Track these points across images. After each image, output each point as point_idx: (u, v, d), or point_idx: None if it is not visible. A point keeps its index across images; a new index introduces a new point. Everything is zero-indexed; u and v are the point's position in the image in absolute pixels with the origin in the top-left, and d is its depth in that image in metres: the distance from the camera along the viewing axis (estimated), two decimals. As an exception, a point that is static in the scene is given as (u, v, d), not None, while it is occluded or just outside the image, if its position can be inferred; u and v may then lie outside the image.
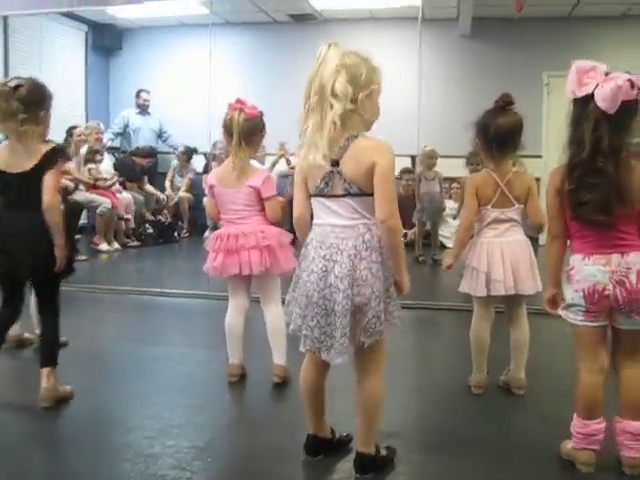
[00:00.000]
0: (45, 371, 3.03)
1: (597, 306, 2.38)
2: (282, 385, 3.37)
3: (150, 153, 9.54)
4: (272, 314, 3.41)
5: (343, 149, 2.23)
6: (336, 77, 2.17)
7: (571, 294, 2.44)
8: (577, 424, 2.45)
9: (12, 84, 2.94)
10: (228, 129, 3.28)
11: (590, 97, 2.29)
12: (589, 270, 2.37)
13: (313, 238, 2.33)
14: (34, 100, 2.97)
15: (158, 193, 9.55)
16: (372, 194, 2.23)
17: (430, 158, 7.45)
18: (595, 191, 2.30)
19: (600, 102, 2.26)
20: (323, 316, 2.28)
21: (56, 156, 3.00)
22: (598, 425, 2.43)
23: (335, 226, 2.27)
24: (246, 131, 3.26)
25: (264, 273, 3.32)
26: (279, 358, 3.40)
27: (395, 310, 2.33)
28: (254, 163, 3.71)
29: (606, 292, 2.35)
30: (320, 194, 2.30)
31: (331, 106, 2.17)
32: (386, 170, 2.21)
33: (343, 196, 2.25)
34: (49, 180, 2.94)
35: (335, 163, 2.23)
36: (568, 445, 2.53)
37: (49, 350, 3.10)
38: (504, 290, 3.17)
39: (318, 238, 2.30)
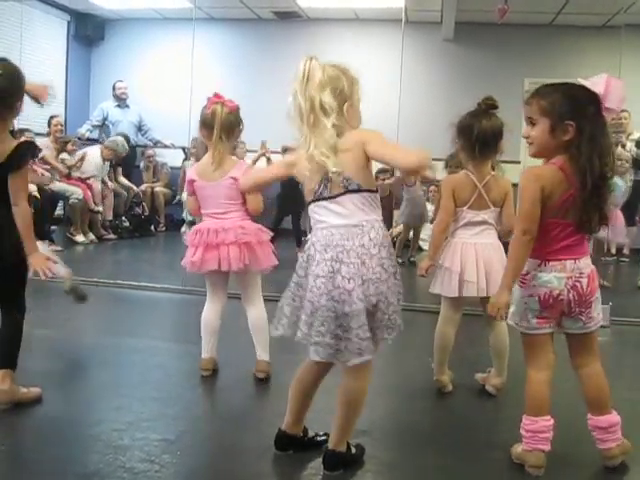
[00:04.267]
0: (0, 373, 2.84)
1: (550, 310, 2.43)
2: (255, 380, 3.37)
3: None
4: (254, 311, 3.40)
5: (333, 149, 2.25)
6: (322, 92, 2.22)
7: (525, 298, 2.46)
8: (526, 422, 2.49)
9: None
10: (208, 123, 3.26)
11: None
12: (546, 277, 2.41)
13: (316, 242, 2.30)
14: (10, 90, 2.76)
15: (132, 186, 9.47)
16: (370, 190, 2.27)
17: None
18: (607, 202, 2.37)
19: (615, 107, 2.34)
20: (333, 319, 2.22)
21: (25, 154, 2.81)
22: (546, 422, 2.46)
23: (339, 227, 2.26)
24: (227, 125, 3.25)
25: (243, 270, 3.31)
26: (263, 354, 3.39)
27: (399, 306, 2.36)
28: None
29: (560, 297, 2.40)
30: (320, 198, 2.30)
31: (323, 122, 2.23)
32: (377, 138, 2.27)
33: (342, 194, 2.26)
34: (16, 184, 2.76)
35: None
36: (518, 448, 2.54)
37: (9, 352, 2.89)
38: (477, 292, 3.18)
39: (322, 241, 2.28)
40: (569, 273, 2.39)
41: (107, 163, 8.86)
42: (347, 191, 2.25)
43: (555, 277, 2.39)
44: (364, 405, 2.40)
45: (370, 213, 2.28)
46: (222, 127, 3.24)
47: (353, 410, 2.39)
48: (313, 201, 2.33)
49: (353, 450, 2.48)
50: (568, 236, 2.40)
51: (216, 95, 3.29)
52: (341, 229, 2.26)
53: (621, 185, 6.26)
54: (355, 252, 2.22)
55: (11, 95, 2.79)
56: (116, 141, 8.90)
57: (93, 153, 8.63)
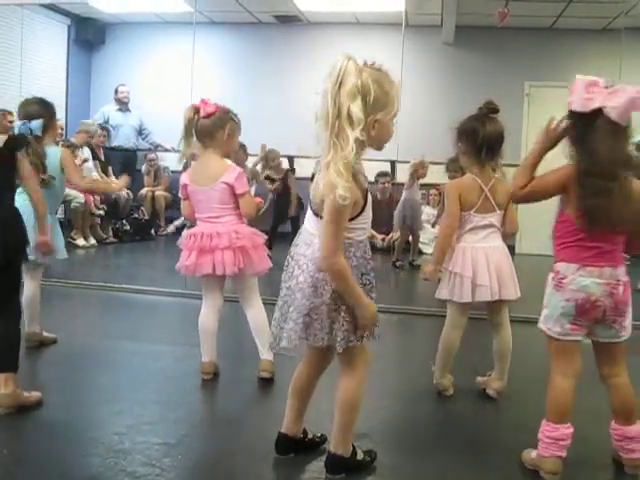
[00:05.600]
0: (3, 377, 2.83)
1: (585, 316, 2.41)
2: (256, 383, 3.37)
3: None
4: (253, 312, 3.41)
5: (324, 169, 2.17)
6: (352, 101, 2.07)
7: (561, 303, 2.43)
8: (547, 429, 2.46)
9: None
10: (186, 129, 3.30)
11: (598, 111, 2.31)
12: (584, 282, 2.39)
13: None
14: None
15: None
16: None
17: (423, 168, 7.45)
18: (607, 200, 2.32)
19: (613, 114, 2.29)
20: (282, 306, 2.34)
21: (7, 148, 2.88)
22: (567, 430, 2.44)
23: (305, 230, 2.34)
24: (204, 130, 3.30)
25: (238, 274, 3.32)
26: (266, 353, 3.39)
27: (347, 329, 2.25)
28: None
29: (598, 303, 2.39)
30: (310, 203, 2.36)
31: (346, 133, 2.07)
32: (330, 209, 2.12)
33: (312, 211, 2.31)
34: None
35: (312, 177, 2.26)
36: (532, 454, 2.53)
37: (10, 354, 2.87)
38: (490, 295, 3.16)
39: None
40: (607, 279, 2.39)
41: (85, 150, 8.68)
42: (314, 213, 2.29)
43: (593, 282, 2.38)
44: (360, 407, 2.40)
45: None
46: (198, 133, 3.29)
47: (349, 412, 2.38)
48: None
49: (360, 456, 2.47)
50: (607, 242, 2.40)
51: (202, 101, 3.33)
52: (302, 233, 2.34)
53: None
54: (297, 256, 2.30)
55: None
56: (87, 123, 8.84)
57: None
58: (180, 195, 3.47)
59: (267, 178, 7.92)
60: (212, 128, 3.30)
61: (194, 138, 3.32)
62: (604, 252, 2.40)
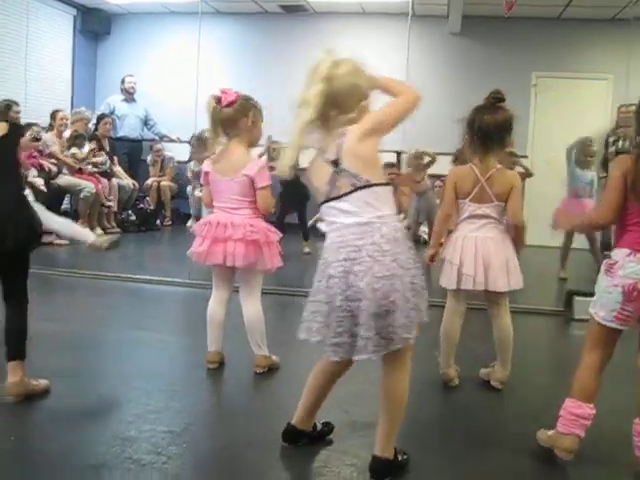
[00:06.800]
0: (12, 365, 2.84)
1: (633, 304, 2.33)
2: (262, 373, 3.37)
3: None
4: (250, 308, 3.39)
5: (339, 147, 2.22)
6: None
7: (610, 288, 2.37)
8: (571, 404, 2.44)
9: None
10: (210, 119, 3.27)
11: None
12: (634, 268, 2.33)
13: (330, 244, 2.26)
14: None
15: (127, 179, 9.30)
16: (380, 184, 2.22)
17: (416, 159, 7.42)
18: None
19: None
20: (349, 319, 2.19)
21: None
22: (590, 410, 2.43)
23: (350, 226, 2.21)
24: (226, 119, 3.25)
25: (247, 267, 3.31)
26: (259, 349, 3.39)
27: (422, 302, 2.27)
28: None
29: None
30: (329, 198, 2.26)
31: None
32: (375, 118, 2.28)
33: (351, 192, 2.22)
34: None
35: (335, 163, 2.22)
36: (548, 432, 2.52)
37: (18, 343, 2.88)
38: (473, 285, 3.17)
39: (335, 243, 2.23)
40: None
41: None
42: (356, 188, 2.21)
43: None
44: (405, 407, 2.35)
45: (382, 208, 2.22)
46: (221, 122, 3.25)
47: (400, 409, 2.34)
48: (324, 202, 2.29)
49: (400, 457, 2.41)
50: None
51: (222, 90, 3.29)
52: (352, 228, 2.21)
53: (579, 175, 6.24)
54: (366, 250, 2.17)
55: None
56: (79, 111, 8.77)
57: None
58: (201, 182, 3.44)
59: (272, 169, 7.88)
60: (235, 116, 3.25)
61: (220, 128, 3.27)
62: None
